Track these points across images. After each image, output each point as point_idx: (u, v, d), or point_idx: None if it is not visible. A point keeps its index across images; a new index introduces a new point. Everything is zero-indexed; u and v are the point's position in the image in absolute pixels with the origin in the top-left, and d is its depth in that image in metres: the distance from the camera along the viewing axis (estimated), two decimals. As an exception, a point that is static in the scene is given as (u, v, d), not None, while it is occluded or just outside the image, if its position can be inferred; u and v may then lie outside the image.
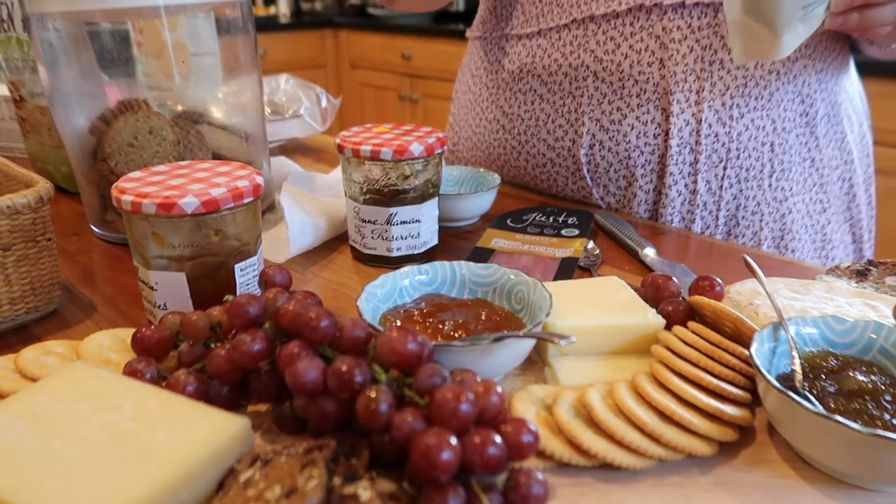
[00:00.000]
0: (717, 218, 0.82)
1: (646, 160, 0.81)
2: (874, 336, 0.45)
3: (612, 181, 0.84)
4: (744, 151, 0.80)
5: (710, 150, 0.79)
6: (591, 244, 0.71)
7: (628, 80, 0.79)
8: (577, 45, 0.81)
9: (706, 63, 0.76)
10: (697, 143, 0.79)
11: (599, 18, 0.79)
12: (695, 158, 0.79)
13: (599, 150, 0.83)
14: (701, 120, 0.78)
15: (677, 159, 0.80)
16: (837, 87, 0.84)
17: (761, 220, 0.82)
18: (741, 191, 0.81)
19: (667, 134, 0.79)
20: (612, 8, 0.77)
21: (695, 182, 0.81)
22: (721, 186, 0.81)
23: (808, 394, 0.40)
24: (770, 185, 0.81)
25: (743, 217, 0.83)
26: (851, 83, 0.89)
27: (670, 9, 0.75)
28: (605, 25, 0.78)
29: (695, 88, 0.77)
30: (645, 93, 0.79)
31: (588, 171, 0.85)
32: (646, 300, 0.52)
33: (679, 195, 0.82)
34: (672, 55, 0.76)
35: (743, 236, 0.83)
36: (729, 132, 0.79)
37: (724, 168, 0.80)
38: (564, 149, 0.85)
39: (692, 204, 0.82)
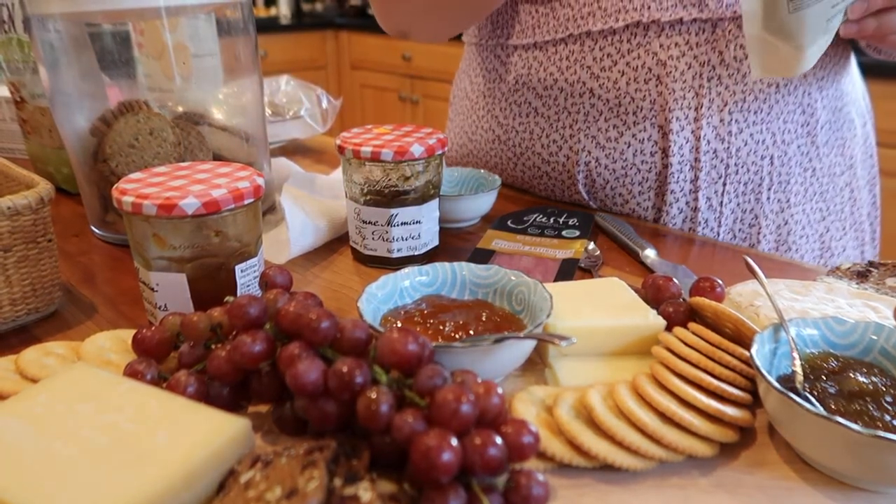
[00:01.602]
0: (717, 235, 0.82)
1: (643, 178, 0.81)
2: (875, 337, 0.45)
3: (609, 198, 0.84)
4: (742, 166, 0.79)
5: (710, 166, 0.78)
6: (591, 245, 0.71)
7: (625, 97, 0.78)
8: (574, 61, 0.80)
9: (704, 79, 0.75)
10: (697, 160, 0.78)
11: (596, 35, 0.78)
12: (695, 176, 0.79)
13: (595, 168, 0.82)
14: (700, 137, 0.77)
15: (678, 177, 0.79)
16: (839, 91, 0.83)
17: (759, 234, 0.82)
18: (738, 205, 0.81)
19: (664, 152, 0.78)
20: (608, 25, 0.76)
21: (696, 199, 0.80)
22: (721, 202, 0.80)
23: (808, 395, 0.40)
24: (769, 198, 0.80)
25: (740, 230, 0.82)
26: (853, 84, 0.87)
27: (668, 26, 0.74)
28: (601, 42, 0.77)
29: (693, 105, 0.76)
30: (641, 111, 0.78)
31: (584, 187, 0.84)
32: (646, 301, 0.52)
33: (680, 212, 0.81)
34: (670, 72, 0.76)
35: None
36: (728, 148, 0.78)
37: (724, 184, 0.79)
38: (559, 164, 0.85)
39: (693, 221, 0.81)
